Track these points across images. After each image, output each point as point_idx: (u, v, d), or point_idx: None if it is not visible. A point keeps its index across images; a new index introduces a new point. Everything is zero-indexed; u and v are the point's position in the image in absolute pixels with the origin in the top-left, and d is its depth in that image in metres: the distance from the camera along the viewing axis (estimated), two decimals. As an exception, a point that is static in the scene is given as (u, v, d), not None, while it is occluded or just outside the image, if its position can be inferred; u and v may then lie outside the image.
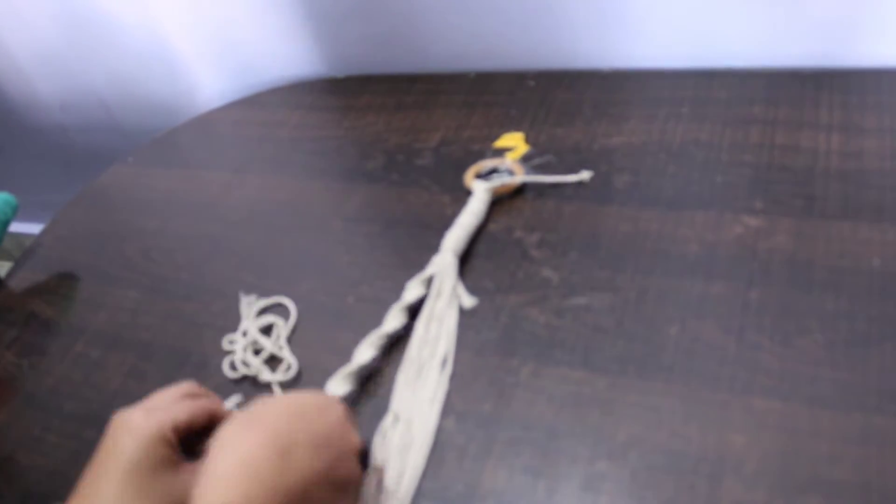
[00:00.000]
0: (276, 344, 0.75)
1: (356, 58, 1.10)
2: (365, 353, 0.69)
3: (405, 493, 0.60)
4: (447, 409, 0.65)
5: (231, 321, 0.79)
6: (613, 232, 0.75)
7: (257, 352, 0.75)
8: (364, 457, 0.58)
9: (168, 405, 0.57)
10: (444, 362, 0.68)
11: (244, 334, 0.76)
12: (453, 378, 0.67)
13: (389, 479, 0.61)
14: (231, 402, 0.70)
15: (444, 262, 0.74)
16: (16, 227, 0.96)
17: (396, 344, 0.71)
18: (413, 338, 0.71)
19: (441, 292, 0.73)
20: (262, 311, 0.79)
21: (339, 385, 0.67)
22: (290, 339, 0.75)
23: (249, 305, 0.78)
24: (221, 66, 1.21)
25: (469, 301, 0.72)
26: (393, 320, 0.71)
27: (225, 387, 0.73)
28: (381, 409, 0.66)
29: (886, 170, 0.73)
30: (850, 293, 0.64)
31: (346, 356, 0.70)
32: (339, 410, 0.57)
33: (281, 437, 0.52)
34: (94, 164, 1.36)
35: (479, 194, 0.80)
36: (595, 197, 0.79)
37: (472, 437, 0.62)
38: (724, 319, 0.64)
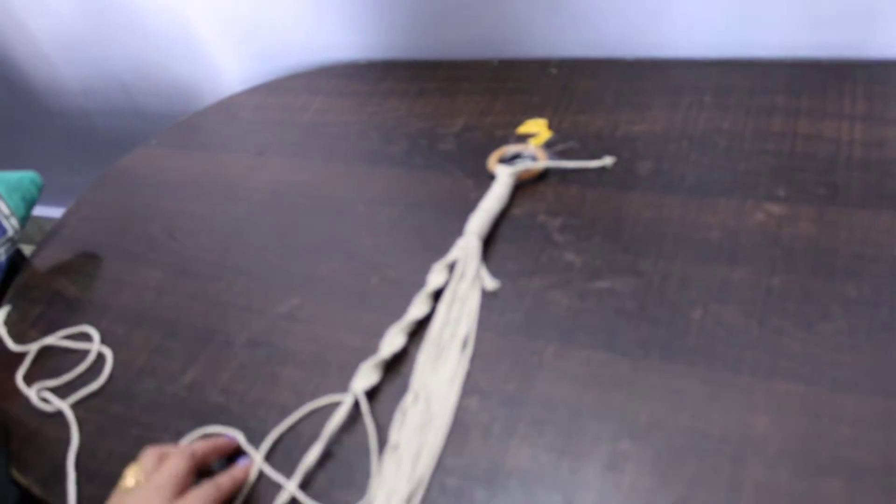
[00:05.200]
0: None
1: (378, 44, 1.10)
2: (394, 341, 0.70)
3: (424, 469, 0.61)
4: (471, 389, 0.65)
5: (255, 300, 0.80)
6: (636, 217, 0.75)
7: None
8: None
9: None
10: (465, 343, 0.69)
11: None
12: (477, 358, 0.68)
13: (408, 455, 0.61)
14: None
15: (468, 245, 0.75)
16: (36, 210, 0.97)
17: (419, 324, 0.72)
18: (435, 319, 0.71)
19: (464, 275, 0.73)
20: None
21: (369, 374, 0.67)
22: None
23: None
24: (243, 52, 1.21)
25: (491, 284, 0.73)
26: (420, 307, 0.72)
27: (249, 367, 0.74)
28: (403, 388, 0.67)
29: (910, 159, 0.73)
30: (872, 280, 0.64)
31: (369, 336, 0.71)
32: None
33: None
34: (114, 148, 1.37)
35: (503, 179, 0.81)
36: (618, 183, 0.80)
37: (496, 415, 0.63)
38: (746, 304, 0.65)
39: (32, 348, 0.82)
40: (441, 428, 0.63)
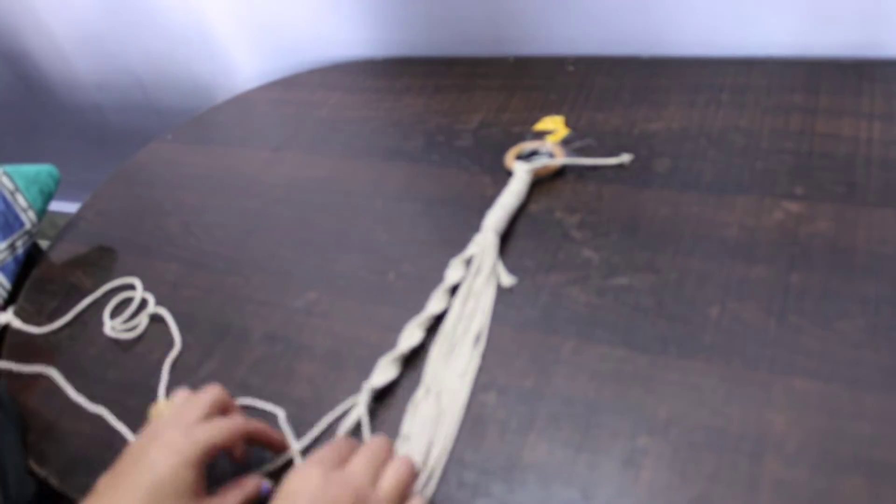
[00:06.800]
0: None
1: (395, 40, 1.10)
2: (412, 336, 0.70)
3: (435, 461, 0.61)
4: (489, 384, 0.65)
5: (271, 295, 0.80)
6: (654, 214, 0.75)
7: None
8: None
9: (205, 424, 0.58)
10: (477, 338, 0.69)
11: None
12: (495, 354, 0.68)
13: (418, 450, 0.62)
14: None
15: (485, 240, 0.75)
16: (51, 205, 0.98)
17: (437, 320, 0.72)
18: (450, 314, 0.71)
19: (480, 270, 0.74)
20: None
21: (387, 369, 0.67)
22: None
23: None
24: (259, 48, 1.22)
25: (508, 280, 0.73)
26: (438, 302, 0.72)
27: (266, 361, 0.74)
28: (416, 382, 0.67)
29: (929, 158, 0.73)
30: (891, 279, 0.64)
31: (386, 331, 0.71)
32: None
33: None
34: (129, 143, 1.37)
35: (520, 175, 0.81)
36: (635, 180, 0.80)
37: (513, 411, 0.63)
38: (764, 302, 0.65)
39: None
40: (452, 422, 0.63)
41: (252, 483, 0.60)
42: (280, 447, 0.64)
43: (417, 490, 0.59)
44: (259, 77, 1.23)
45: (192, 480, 0.55)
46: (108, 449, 0.71)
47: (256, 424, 0.62)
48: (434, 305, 0.72)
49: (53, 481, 0.70)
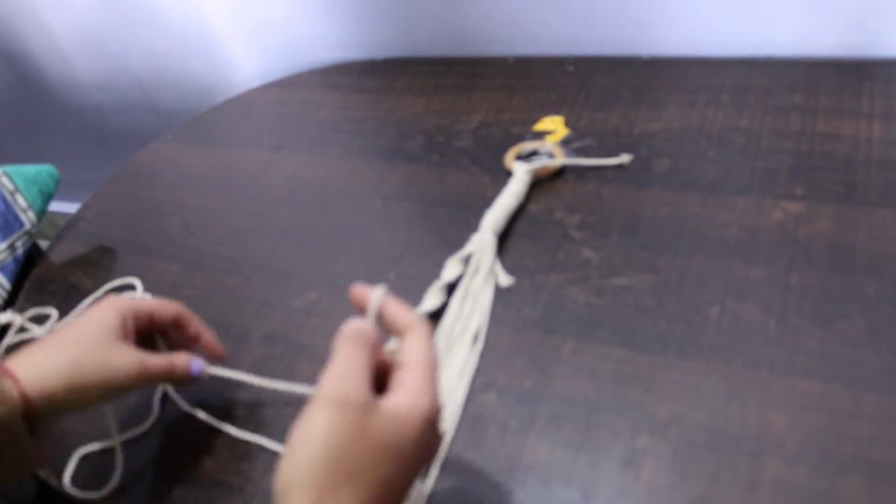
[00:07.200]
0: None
1: (395, 40, 1.10)
2: None
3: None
4: (489, 384, 0.65)
5: (271, 295, 0.80)
6: (653, 214, 0.75)
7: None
8: None
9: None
10: (475, 338, 0.69)
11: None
12: (495, 354, 0.68)
13: None
14: None
15: (482, 240, 0.75)
16: (51, 205, 0.98)
17: (433, 318, 0.72)
18: (447, 313, 0.71)
19: (478, 270, 0.74)
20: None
21: None
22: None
23: None
24: (259, 48, 1.22)
25: (505, 280, 0.73)
26: (432, 299, 0.72)
27: (266, 361, 0.74)
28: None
29: (929, 158, 0.73)
30: (891, 279, 0.64)
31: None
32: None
33: None
34: (129, 143, 1.37)
35: (520, 175, 0.81)
36: (635, 180, 0.80)
37: (513, 411, 0.63)
38: (764, 302, 0.65)
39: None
40: (450, 419, 0.64)
41: (182, 357, 0.65)
42: (218, 354, 0.69)
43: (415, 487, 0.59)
44: (259, 77, 1.23)
45: (118, 325, 0.61)
46: (107, 448, 0.71)
47: (197, 323, 0.69)
48: (429, 302, 0.72)
49: (53, 481, 0.70)
